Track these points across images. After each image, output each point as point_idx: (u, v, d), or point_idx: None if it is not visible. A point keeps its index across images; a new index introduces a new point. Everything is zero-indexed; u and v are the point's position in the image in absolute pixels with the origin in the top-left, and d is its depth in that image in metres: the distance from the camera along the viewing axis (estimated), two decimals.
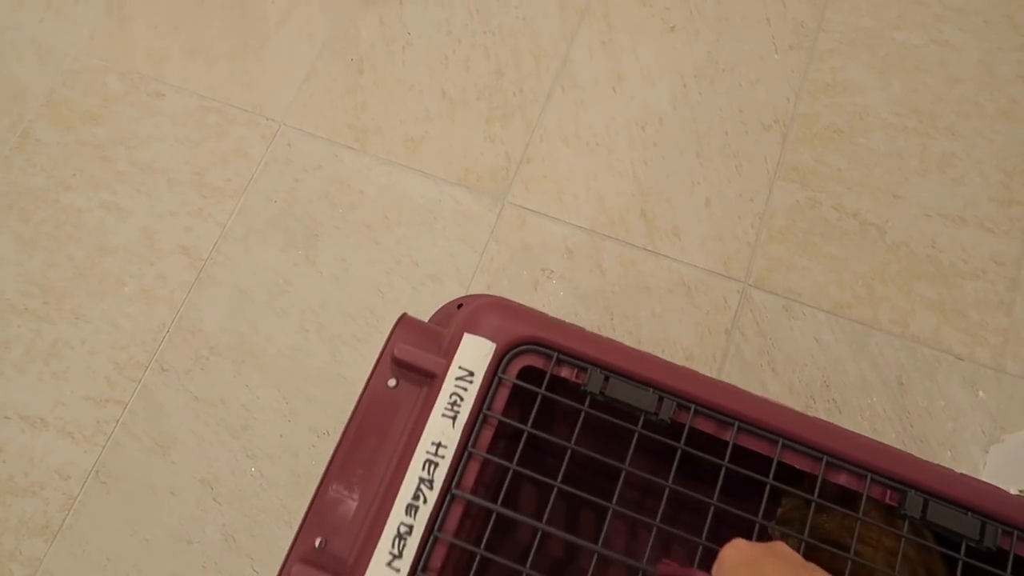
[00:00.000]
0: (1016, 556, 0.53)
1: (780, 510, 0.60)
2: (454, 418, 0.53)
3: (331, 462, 0.55)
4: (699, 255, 0.97)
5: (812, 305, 0.94)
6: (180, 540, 0.84)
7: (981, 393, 0.91)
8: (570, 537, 0.52)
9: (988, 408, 0.90)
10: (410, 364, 0.56)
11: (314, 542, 0.53)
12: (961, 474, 0.55)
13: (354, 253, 0.96)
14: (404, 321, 0.58)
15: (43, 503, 0.86)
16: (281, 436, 0.88)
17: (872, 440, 0.55)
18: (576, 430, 0.54)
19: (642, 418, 0.54)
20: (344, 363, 0.90)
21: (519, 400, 0.56)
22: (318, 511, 0.53)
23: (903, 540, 0.54)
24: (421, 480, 0.52)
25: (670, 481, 0.53)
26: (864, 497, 0.54)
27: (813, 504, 0.53)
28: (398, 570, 0.50)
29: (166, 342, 0.92)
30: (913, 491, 0.53)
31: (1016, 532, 0.54)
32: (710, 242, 0.97)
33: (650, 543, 0.52)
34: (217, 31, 1.08)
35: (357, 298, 0.94)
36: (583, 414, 0.55)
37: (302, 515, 0.52)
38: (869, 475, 0.54)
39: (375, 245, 0.97)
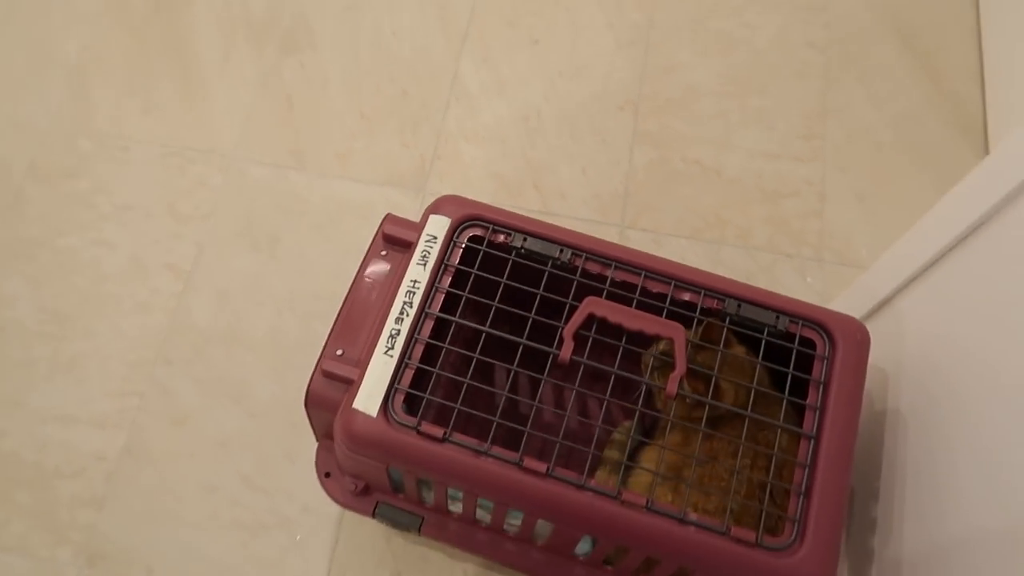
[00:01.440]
0: (801, 337, 0.81)
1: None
2: (424, 265, 0.79)
3: (346, 297, 0.81)
4: (583, 210, 1.23)
5: (675, 235, 1.22)
6: (205, 489, 1.05)
7: (809, 279, 1.19)
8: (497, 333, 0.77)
9: (815, 289, 1.18)
10: (394, 237, 0.83)
11: (336, 351, 0.78)
12: (761, 288, 0.83)
13: (311, 249, 1.19)
14: (389, 216, 0.84)
15: (87, 481, 1.05)
16: (274, 396, 1.10)
17: (705, 271, 0.83)
18: (505, 274, 0.81)
19: (549, 263, 0.81)
20: (317, 333, 1.12)
21: (469, 260, 0.82)
22: (338, 331, 0.79)
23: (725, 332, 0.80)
24: (404, 304, 0.77)
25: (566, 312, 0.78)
26: (698, 310, 0.80)
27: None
28: (392, 357, 0.74)
29: (167, 340, 1.13)
30: (730, 298, 0.81)
31: (801, 321, 0.81)
32: (590, 199, 1.24)
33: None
34: (165, 88, 1.30)
35: (320, 282, 1.17)
36: (510, 262, 0.81)
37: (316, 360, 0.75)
38: (703, 291, 0.81)
39: (327, 241, 1.20)
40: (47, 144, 1.26)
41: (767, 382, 0.82)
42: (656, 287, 0.83)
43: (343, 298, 0.84)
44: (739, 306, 0.82)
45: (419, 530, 0.86)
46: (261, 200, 1.23)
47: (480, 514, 0.84)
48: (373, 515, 0.87)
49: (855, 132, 1.29)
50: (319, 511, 1.03)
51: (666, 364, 0.80)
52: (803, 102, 1.32)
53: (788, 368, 0.79)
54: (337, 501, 0.87)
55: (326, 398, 0.80)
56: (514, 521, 0.83)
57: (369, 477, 0.84)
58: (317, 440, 0.90)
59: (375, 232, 0.88)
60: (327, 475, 0.88)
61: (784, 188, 1.26)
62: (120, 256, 1.18)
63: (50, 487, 1.05)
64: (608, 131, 1.29)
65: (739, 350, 0.84)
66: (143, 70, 1.32)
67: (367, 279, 0.85)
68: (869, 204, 1.24)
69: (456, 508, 0.85)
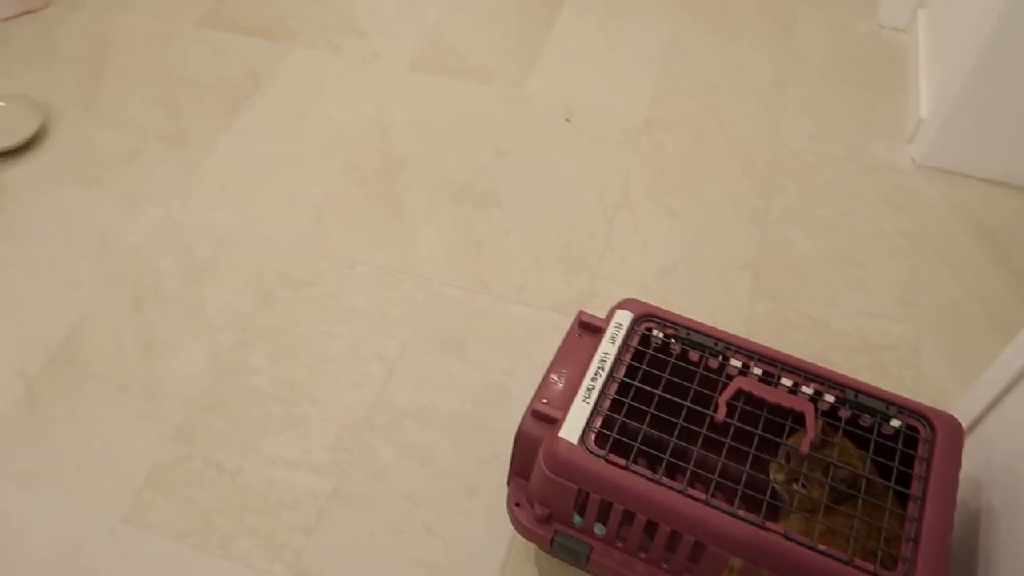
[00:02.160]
0: (906, 425, 1.02)
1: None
2: (612, 343, 1.05)
3: (550, 365, 1.07)
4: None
5: None
6: (394, 531, 1.27)
7: None
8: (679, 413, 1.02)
9: None
10: (588, 324, 1.10)
11: (542, 399, 1.02)
12: (874, 385, 1.06)
13: (490, 353, 1.49)
14: (582, 312, 1.13)
15: (302, 513, 1.29)
16: (454, 464, 1.34)
17: (828, 368, 1.07)
18: (672, 356, 1.07)
19: (707, 350, 1.07)
20: (491, 418, 1.38)
21: (645, 343, 1.09)
22: (543, 387, 1.04)
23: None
24: (598, 368, 1.03)
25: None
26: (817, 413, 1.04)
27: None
28: (588, 404, 0.99)
29: (372, 411, 1.41)
30: (848, 388, 1.04)
31: (906, 412, 1.03)
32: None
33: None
34: (384, 226, 1.69)
35: (495, 378, 1.45)
36: (677, 348, 1.07)
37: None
38: (827, 382, 1.05)
39: (502, 349, 1.50)
40: (293, 260, 1.63)
41: (873, 470, 1.03)
42: (789, 377, 1.07)
43: (547, 364, 1.12)
44: (856, 395, 1.05)
45: (587, 558, 1.06)
46: (453, 314, 1.55)
47: (643, 542, 1.04)
48: (551, 543, 1.08)
49: (943, 302, 1.55)
50: (485, 559, 1.23)
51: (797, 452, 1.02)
52: (897, 276, 1.59)
53: (892, 462, 1.00)
54: (523, 528, 1.09)
55: (532, 434, 1.05)
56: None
57: (554, 504, 1.06)
58: (509, 479, 1.14)
59: (572, 323, 1.16)
60: (517, 505, 1.10)
61: (883, 342, 1.50)
62: (342, 345, 1.50)
63: (273, 515, 1.29)
64: (732, 285, 1.59)
65: (848, 444, 1.06)
66: (368, 212, 1.72)
67: (565, 351, 1.13)
68: (959, 360, 1.46)
69: (623, 535, 1.06)
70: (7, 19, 2.15)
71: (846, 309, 1.55)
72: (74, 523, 1.29)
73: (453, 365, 1.47)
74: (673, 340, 1.11)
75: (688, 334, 1.11)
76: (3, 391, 1.44)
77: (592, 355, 1.08)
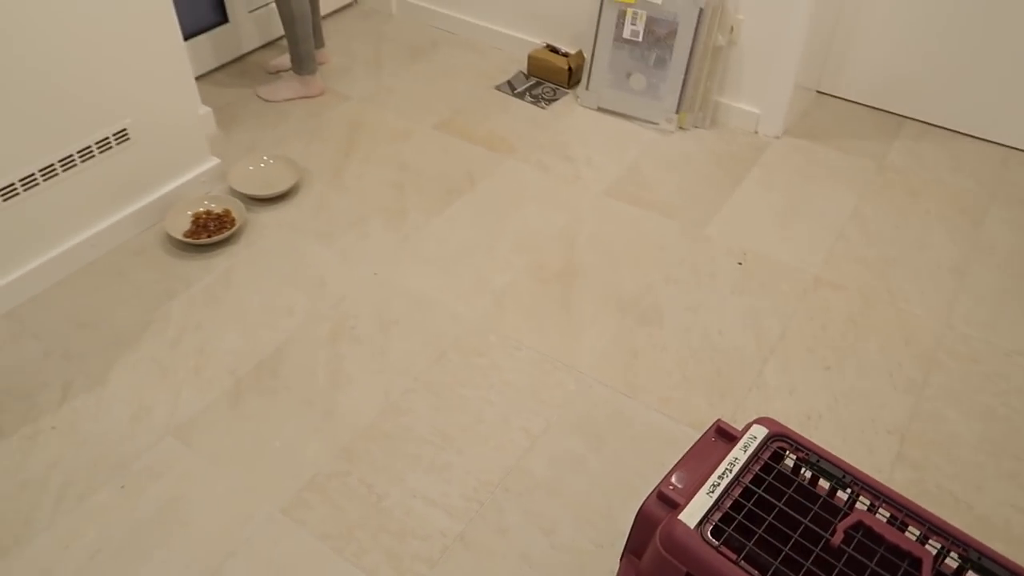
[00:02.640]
0: None
1: None
2: (743, 451, 1.14)
3: (682, 458, 1.16)
4: None
5: None
6: None
7: None
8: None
9: None
10: (724, 431, 1.18)
11: (669, 485, 1.12)
12: (1003, 555, 1.07)
13: (623, 452, 1.59)
14: (720, 420, 1.22)
15: (429, 545, 1.43)
16: (571, 540, 1.43)
17: (957, 527, 1.09)
18: (797, 480, 1.13)
19: (833, 480, 1.13)
20: (613, 507, 1.47)
21: (775, 459, 1.16)
22: (671, 475, 1.13)
23: None
24: (725, 469, 1.12)
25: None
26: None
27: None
28: (711, 498, 1.07)
29: (509, 475, 1.54)
30: (972, 549, 1.06)
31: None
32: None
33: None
34: (552, 321, 1.87)
35: (623, 476, 1.54)
36: (804, 469, 1.13)
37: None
38: (952, 539, 1.07)
39: (636, 452, 1.60)
40: (469, 331, 1.85)
41: None
42: (916, 526, 1.10)
43: (681, 456, 1.22)
44: (979, 557, 1.06)
45: None
46: (598, 409, 1.68)
47: None
48: None
49: None
50: None
51: None
52: None
53: None
54: None
55: (653, 514, 1.15)
56: None
57: None
58: (623, 556, 1.22)
59: (709, 427, 1.27)
60: None
61: None
62: (495, 412, 1.67)
63: (404, 540, 1.44)
64: (875, 446, 1.61)
65: None
66: (542, 305, 1.92)
67: (697, 450, 1.22)
68: None
69: None
70: (289, 100, 2.64)
71: (993, 496, 1.52)
72: (243, 502, 1.50)
73: (589, 453, 1.59)
74: (804, 464, 1.18)
75: (818, 461, 1.18)
76: (217, 382, 1.72)
77: (723, 458, 1.17)
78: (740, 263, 2.05)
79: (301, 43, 2.51)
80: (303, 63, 2.56)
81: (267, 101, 2.62)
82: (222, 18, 2.74)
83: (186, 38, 2.56)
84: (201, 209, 2.13)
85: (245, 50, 2.86)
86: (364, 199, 2.24)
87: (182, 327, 1.85)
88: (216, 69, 2.77)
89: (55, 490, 1.51)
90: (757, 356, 1.80)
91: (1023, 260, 2.08)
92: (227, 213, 2.13)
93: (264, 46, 2.92)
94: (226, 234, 2.06)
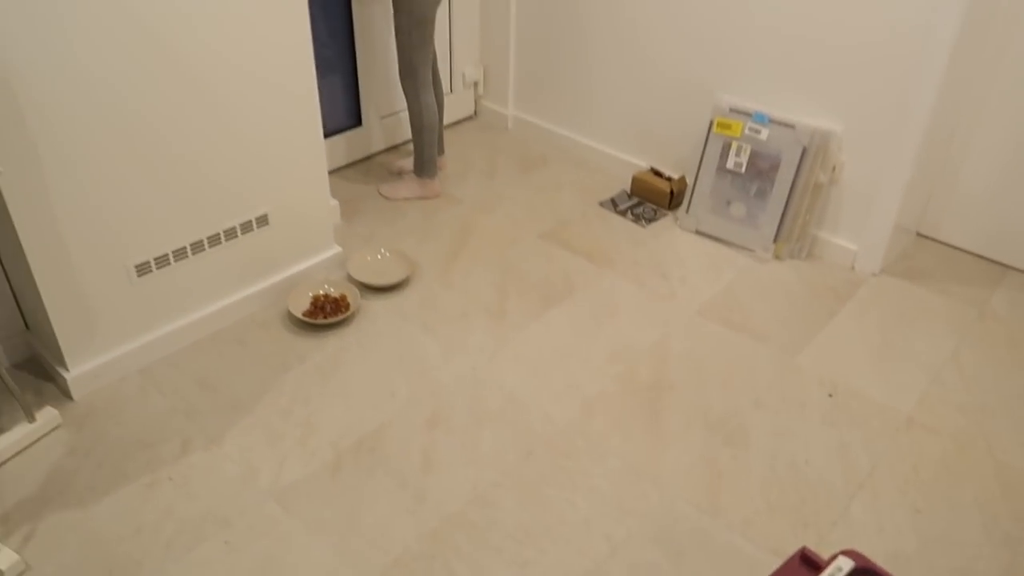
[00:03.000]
0: None
1: None
2: None
3: None
4: None
5: None
6: None
7: None
8: None
9: None
10: (809, 559, 1.21)
11: None
12: None
13: (707, 572, 1.60)
14: (806, 547, 1.24)
15: None
16: None
17: None
18: None
19: None
20: None
21: None
22: None
23: None
24: None
25: None
26: None
27: None
28: None
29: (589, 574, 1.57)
30: None
31: None
32: None
33: None
34: (640, 430, 1.92)
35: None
36: None
37: None
38: None
39: (715, 571, 1.60)
40: (559, 432, 1.92)
41: None
42: None
43: None
44: None
45: None
46: (679, 524, 1.70)
47: None
48: None
49: None
50: None
51: None
52: None
53: None
54: None
55: None
56: None
57: None
58: None
59: (794, 553, 1.28)
60: None
61: None
62: (578, 515, 1.71)
63: None
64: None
65: None
66: (631, 415, 1.97)
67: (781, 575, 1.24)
68: None
69: None
70: (408, 199, 2.86)
71: None
72: (332, 572, 1.58)
73: (667, 567, 1.61)
74: None
75: None
76: (320, 453, 1.84)
77: None
78: (831, 395, 2.07)
79: (426, 149, 2.74)
80: (425, 167, 2.79)
81: (388, 199, 2.85)
82: (356, 122, 3.03)
83: (324, 137, 2.84)
84: (320, 292, 2.31)
85: (372, 151, 3.13)
86: (468, 297, 2.38)
87: (293, 398, 1.99)
88: (345, 166, 3.04)
89: (166, 538, 1.63)
90: (844, 490, 1.79)
91: None
92: (343, 298, 2.30)
93: (389, 148, 3.19)
94: (341, 317, 2.22)
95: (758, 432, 1.94)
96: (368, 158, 3.12)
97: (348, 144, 3.01)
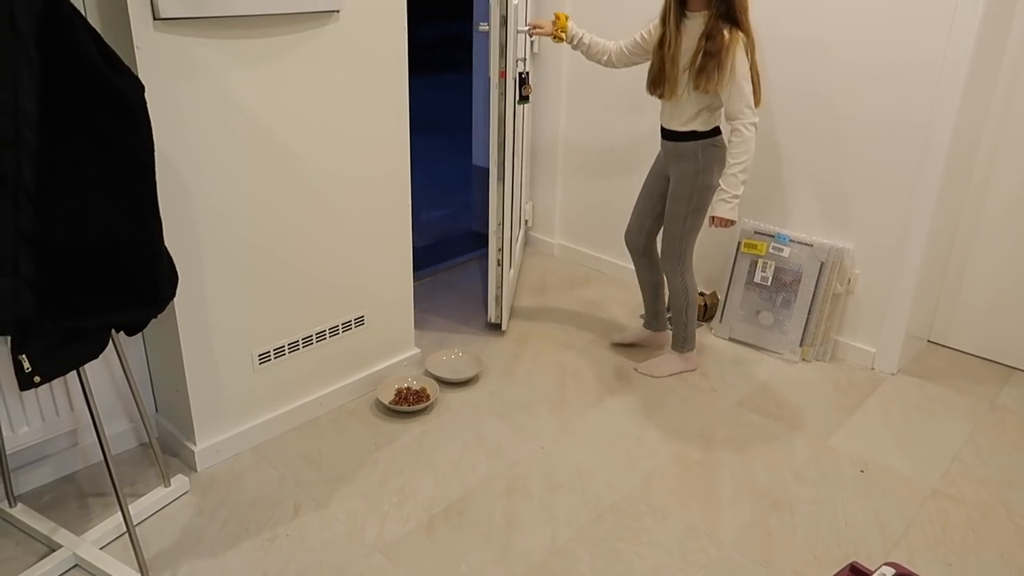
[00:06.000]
0: None
1: None
2: None
3: None
4: None
5: None
6: None
7: None
8: None
9: None
10: (858, 569, 1.46)
11: None
12: None
13: None
14: (855, 561, 1.50)
15: None
16: None
17: None
18: None
19: None
20: None
21: None
22: None
23: None
24: None
25: None
26: None
27: None
28: None
29: None
30: None
31: None
32: None
33: None
34: (694, 498, 2.17)
35: None
36: None
37: None
38: None
39: None
40: (623, 499, 2.17)
41: None
42: None
43: None
44: None
45: None
46: (737, 574, 1.92)
47: None
48: None
49: None
50: None
51: None
52: None
53: None
54: None
55: None
56: None
57: None
58: None
59: (843, 567, 1.52)
60: None
61: None
62: (646, 565, 1.94)
63: None
64: None
65: None
66: (685, 486, 2.22)
67: None
68: None
69: None
70: (672, 375, 3.22)
71: None
72: None
73: None
74: None
75: None
76: (414, 516, 2.10)
77: None
78: (862, 471, 2.32)
79: (689, 326, 2.96)
80: (687, 342, 2.93)
81: (653, 377, 2.91)
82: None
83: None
84: (404, 385, 2.64)
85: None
86: (532, 389, 2.69)
87: (387, 471, 2.27)
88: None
89: None
90: (882, 547, 2.02)
91: None
92: (424, 390, 2.62)
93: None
94: (423, 405, 2.54)
95: (800, 500, 2.19)
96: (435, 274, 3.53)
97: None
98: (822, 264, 2.88)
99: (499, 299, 3.05)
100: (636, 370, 2.82)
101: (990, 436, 2.50)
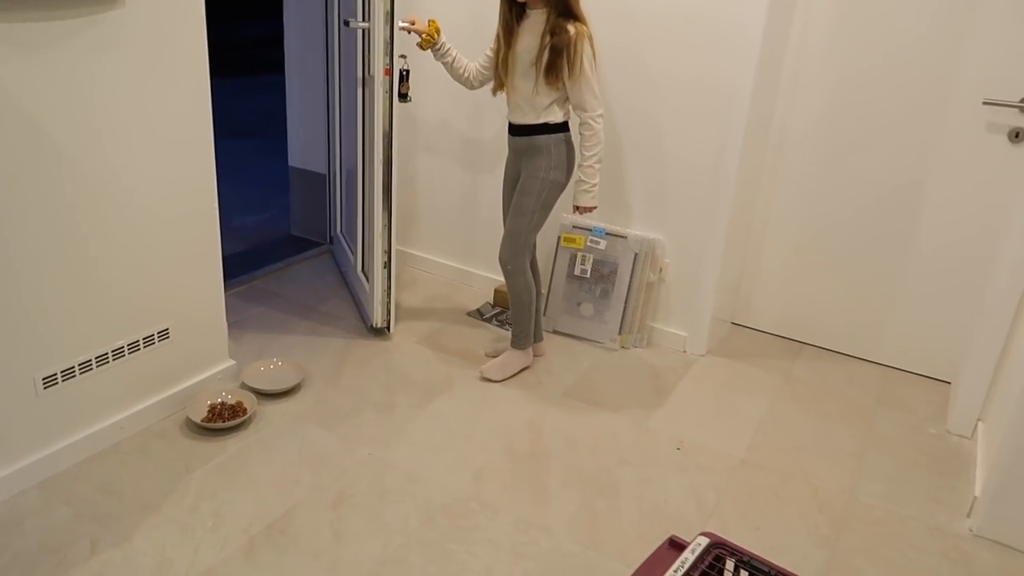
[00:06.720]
0: None
1: None
2: (692, 553, 1.46)
3: (639, 567, 1.46)
4: None
5: None
6: None
7: None
8: None
9: None
10: (676, 542, 1.51)
11: None
12: None
13: None
14: (673, 535, 1.55)
15: None
16: None
17: None
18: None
19: None
20: None
21: (717, 561, 1.48)
22: None
23: None
24: (674, 571, 1.42)
25: None
26: None
27: None
28: None
29: None
30: None
31: None
32: None
33: None
34: (524, 491, 2.18)
35: None
36: (744, 572, 1.46)
37: None
38: None
39: None
40: (454, 499, 2.14)
41: None
42: None
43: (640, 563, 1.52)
44: None
45: None
46: (568, 560, 1.95)
47: None
48: None
49: None
50: None
51: None
52: None
53: None
54: None
55: None
56: None
57: None
58: None
59: (662, 542, 1.58)
60: None
61: None
62: (479, 563, 1.92)
63: None
64: None
65: None
66: (515, 480, 2.24)
67: (654, 559, 1.53)
68: None
69: None
70: (516, 375, 3.07)
71: None
72: None
73: None
74: (740, 565, 1.49)
75: (751, 560, 1.49)
76: (232, 539, 1.95)
77: (672, 563, 1.48)
78: (679, 449, 2.45)
79: (525, 324, 2.95)
80: (524, 339, 2.93)
81: (496, 381, 2.76)
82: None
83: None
84: (218, 400, 2.46)
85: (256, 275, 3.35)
86: (358, 396, 2.61)
87: (199, 495, 2.10)
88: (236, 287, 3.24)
89: None
90: (698, 519, 2.13)
91: (909, 449, 2.53)
92: (239, 404, 2.46)
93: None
94: (239, 420, 2.38)
95: (625, 485, 2.27)
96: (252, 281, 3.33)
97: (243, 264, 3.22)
98: (636, 255, 3.01)
99: (385, 302, 2.93)
100: (481, 376, 2.77)
101: (786, 407, 2.73)
